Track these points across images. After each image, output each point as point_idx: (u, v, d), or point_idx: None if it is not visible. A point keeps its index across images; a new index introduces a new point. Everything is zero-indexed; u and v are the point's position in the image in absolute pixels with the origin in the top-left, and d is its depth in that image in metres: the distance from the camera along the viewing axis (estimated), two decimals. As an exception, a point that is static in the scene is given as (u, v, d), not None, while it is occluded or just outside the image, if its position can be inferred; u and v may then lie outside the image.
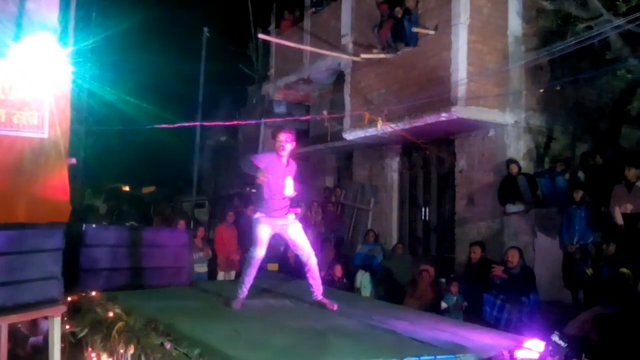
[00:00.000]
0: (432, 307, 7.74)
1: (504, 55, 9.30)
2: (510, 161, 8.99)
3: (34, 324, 5.81)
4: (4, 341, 4.52)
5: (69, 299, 5.08)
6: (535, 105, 9.41)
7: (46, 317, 4.90)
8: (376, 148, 11.73)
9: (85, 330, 4.73)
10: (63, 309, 4.73)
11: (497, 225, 9.32)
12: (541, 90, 9.31)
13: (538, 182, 8.88)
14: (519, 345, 3.95)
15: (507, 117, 9.27)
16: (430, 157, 11.11)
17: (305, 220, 11.28)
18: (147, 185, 21.46)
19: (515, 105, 9.29)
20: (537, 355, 3.86)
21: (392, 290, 8.88)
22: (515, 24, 9.36)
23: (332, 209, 12.15)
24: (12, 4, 6.21)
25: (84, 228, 5.62)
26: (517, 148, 9.41)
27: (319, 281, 5.35)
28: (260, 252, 5.10)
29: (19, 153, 6.11)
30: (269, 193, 5.15)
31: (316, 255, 5.43)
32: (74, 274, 5.32)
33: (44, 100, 6.19)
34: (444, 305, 7.92)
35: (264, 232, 5.13)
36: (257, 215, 5.19)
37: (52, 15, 6.34)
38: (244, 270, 5.19)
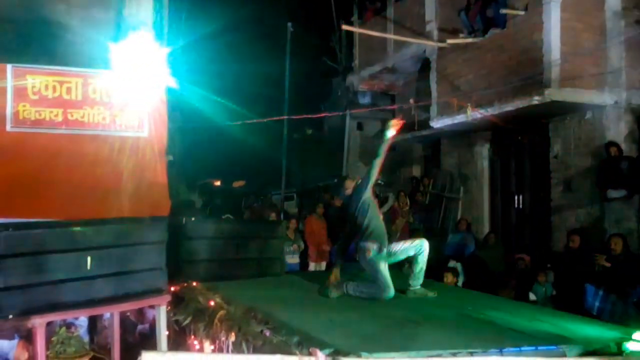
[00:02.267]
0: (521, 299, 7.49)
1: (602, 32, 8.78)
2: (611, 144, 8.51)
3: (141, 312, 6.17)
4: (117, 327, 4.85)
5: (173, 289, 5.36)
6: (638, 84, 8.83)
7: (152, 306, 5.20)
8: (464, 135, 11.46)
9: (189, 319, 4.97)
10: (168, 298, 4.99)
11: (596, 212, 8.86)
12: (645, 67, 8.73)
13: (643, 166, 8.36)
14: (628, 338, 3.76)
15: (605, 98, 8.76)
16: (523, 143, 10.72)
17: (393, 211, 11.24)
18: (237, 179, 22.09)
19: (614, 84, 8.75)
20: (648, 348, 3.66)
21: (485, 280, 8.67)
22: (614, -3, 8.82)
23: (421, 199, 12.02)
24: (111, 11, 6.60)
25: (184, 221, 5.89)
26: (618, 130, 8.87)
27: (421, 274, 5.29)
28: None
29: (122, 152, 6.48)
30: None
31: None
32: (176, 265, 5.60)
33: (143, 101, 6.52)
34: (532, 296, 7.66)
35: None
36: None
37: (148, 19, 6.67)
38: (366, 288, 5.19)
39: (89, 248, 4.43)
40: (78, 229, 4.45)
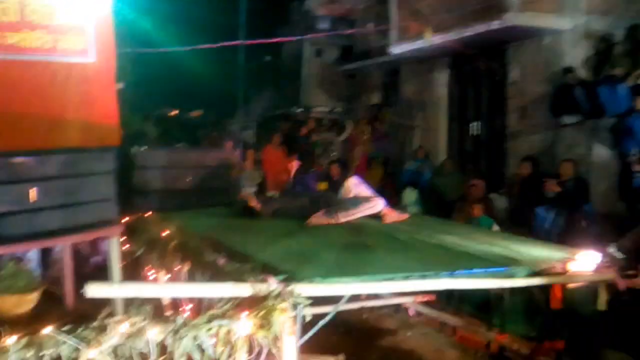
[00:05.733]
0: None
1: (563, -46, 8.64)
2: (567, 69, 8.54)
3: (93, 245, 6.07)
4: (68, 260, 4.76)
5: (125, 220, 5.25)
6: (597, 9, 8.77)
7: (105, 238, 5.10)
8: (424, 62, 11.35)
9: (142, 249, 4.89)
10: (119, 229, 4.89)
11: (550, 137, 9.01)
12: (605, -9, 8.66)
13: (597, 91, 8.43)
14: (573, 258, 3.87)
15: (564, 22, 8.71)
16: (481, 70, 10.69)
17: (352, 140, 11.20)
18: (193, 109, 21.60)
19: (574, 8, 8.69)
20: (592, 267, 3.79)
21: (441, 208, 8.80)
22: None
23: (380, 127, 11.98)
24: None
25: (133, 151, 5.71)
26: (574, 55, 8.89)
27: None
28: None
29: (67, 79, 6.13)
30: None
31: (364, 173, 5.44)
32: (128, 196, 5.47)
33: (88, 24, 6.12)
34: None
35: None
36: None
37: None
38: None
39: (32, 179, 4.25)
40: (20, 160, 4.25)
